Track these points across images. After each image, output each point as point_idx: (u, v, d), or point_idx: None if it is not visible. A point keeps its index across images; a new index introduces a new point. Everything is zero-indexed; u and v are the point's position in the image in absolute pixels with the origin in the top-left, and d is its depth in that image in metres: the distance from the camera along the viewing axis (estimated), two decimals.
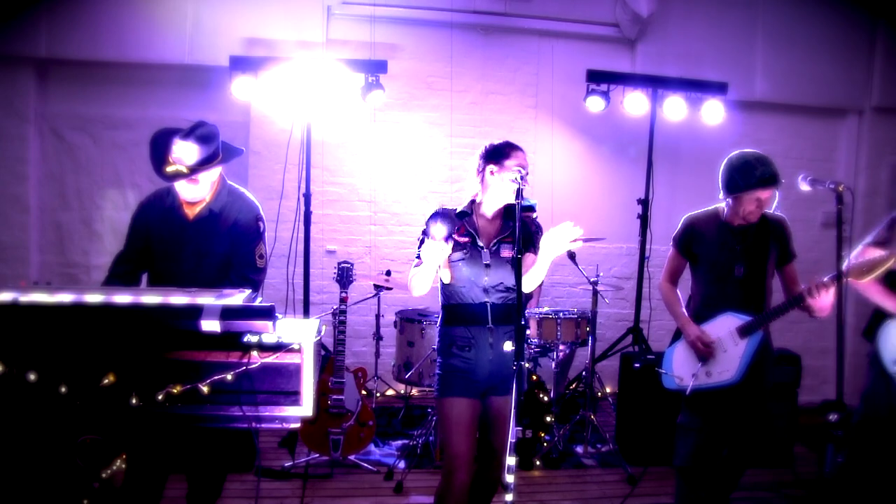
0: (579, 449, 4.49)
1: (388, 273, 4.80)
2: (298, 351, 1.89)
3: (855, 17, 6.03)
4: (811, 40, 5.95)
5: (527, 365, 4.40)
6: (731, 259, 2.99)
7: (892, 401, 2.80)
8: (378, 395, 5.36)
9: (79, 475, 2.10)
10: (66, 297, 1.90)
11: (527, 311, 4.54)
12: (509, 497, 2.15)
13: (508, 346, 2.57)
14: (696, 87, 5.17)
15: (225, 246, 2.83)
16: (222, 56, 4.81)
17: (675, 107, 5.13)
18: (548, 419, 4.22)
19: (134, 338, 1.86)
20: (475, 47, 5.79)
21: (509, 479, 2.14)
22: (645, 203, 5.18)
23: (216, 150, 2.75)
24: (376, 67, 4.74)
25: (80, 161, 5.52)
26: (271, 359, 1.88)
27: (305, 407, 1.92)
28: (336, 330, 3.91)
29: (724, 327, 3.00)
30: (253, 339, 1.87)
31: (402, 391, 5.38)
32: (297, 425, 2.00)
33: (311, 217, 4.72)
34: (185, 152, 2.65)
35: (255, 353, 1.87)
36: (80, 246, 5.55)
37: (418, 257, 2.61)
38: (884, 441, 2.81)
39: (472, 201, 2.74)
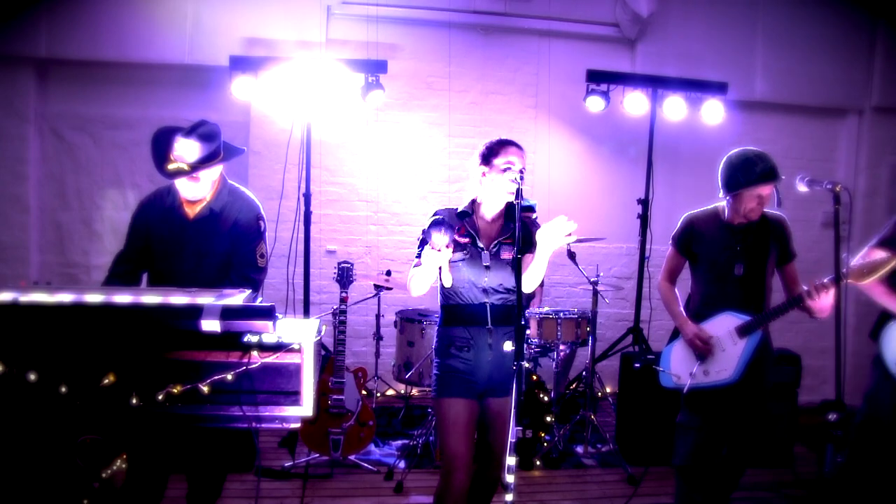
0: (579, 449, 4.49)
1: (388, 273, 4.80)
2: (298, 351, 1.89)
3: (855, 17, 6.03)
4: (811, 40, 5.95)
5: (527, 365, 4.41)
6: (731, 258, 2.99)
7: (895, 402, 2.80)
8: (378, 395, 5.36)
9: (79, 475, 2.10)
10: (66, 297, 1.90)
11: (529, 310, 4.54)
12: (509, 497, 2.14)
13: (508, 346, 2.56)
14: (695, 87, 5.17)
15: (225, 245, 2.82)
16: (222, 56, 4.81)
17: (674, 107, 5.14)
18: (548, 419, 4.22)
19: (134, 338, 1.86)
20: (475, 47, 5.79)
21: (509, 479, 2.14)
22: (645, 203, 5.18)
23: (217, 149, 2.75)
24: (376, 67, 4.74)
25: (80, 161, 5.52)
26: (271, 359, 1.88)
27: (305, 407, 1.92)
28: (336, 330, 3.91)
29: (722, 326, 2.99)
30: (253, 339, 1.87)
31: (402, 391, 5.38)
32: (297, 425, 2.00)
33: (311, 217, 4.72)
34: (186, 150, 2.65)
35: (255, 353, 1.87)
36: (80, 246, 5.56)
37: (418, 257, 2.60)
38: (885, 442, 2.81)
39: (473, 201, 2.72)
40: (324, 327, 2.09)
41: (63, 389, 1.83)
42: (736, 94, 5.42)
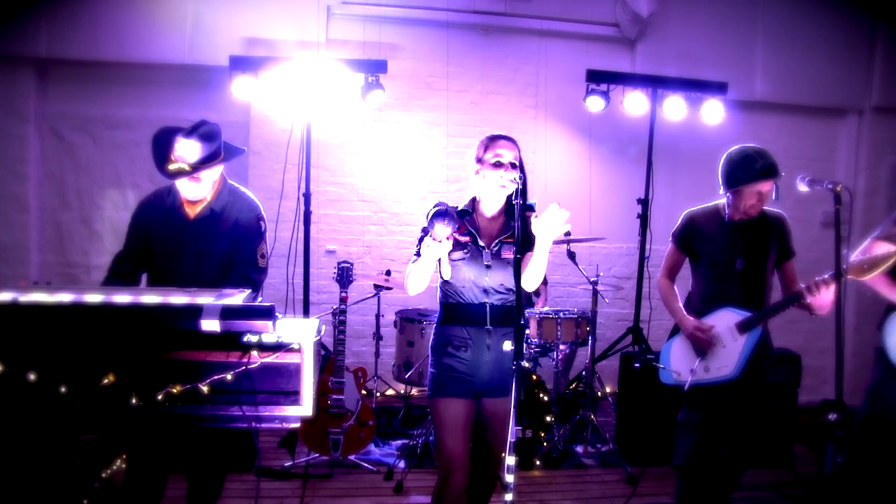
0: (579, 449, 4.49)
1: (388, 273, 4.80)
2: (298, 351, 1.89)
3: (855, 17, 6.03)
4: (811, 40, 5.95)
5: (527, 364, 4.41)
6: (732, 254, 3.00)
7: None
8: (378, 394, 5.36)
9: (79, 475, 2.10)
10: (66, 297, 1.90)
11: (533, 309, 4.54)
12: (509, 497, 2.14)
13: (508, 346, 2.55)
14: (695, 86, 5.17)
15: (226, 245, 2.82)
16: (222, 56, 4.81)
17: (674, 107, 5.14)
18: (548, 419, 4.22)
19: (134, 338, 1.86)
20: (475, 47, 5.79)
21: (509, 478, 2.14)
22: (645, 203, 5.18)
23: (218, 149, 2.75)
24: (376, 67, 4.74)
25: (80, 161, 5.52)
26: (271, 359, 1.88)
27: (305, 407, 1.92)
28: (336, 330, 3.91)
29: (723, 323, 3.00)
30: (253, 338, 1.87)
31: (402, 391, 5.38)
32: (297, 425, 2.00)
33: (311, 217, 4.72)
34: (187, 150, 2.65)
35: (255, 353, 1.87)
36: (80, 246, 5.56)
37: (417, 254, 2.57)
38: (887, 438, 2.80)
39: (473, 200, 2.70)
40: (324, 327, 2.09)
41: (63, 389, 1.83)
42: (736, 94, 5.42)
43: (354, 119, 5.58)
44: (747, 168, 2.89)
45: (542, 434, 4.21)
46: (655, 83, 5.16)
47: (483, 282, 2.59)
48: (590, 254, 5.72)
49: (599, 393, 5.16)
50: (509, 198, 2.61)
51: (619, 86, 5.14)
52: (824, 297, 2.75)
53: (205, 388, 1.85)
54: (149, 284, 2.91)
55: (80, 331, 1.84)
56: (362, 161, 5.71)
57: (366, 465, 4.04)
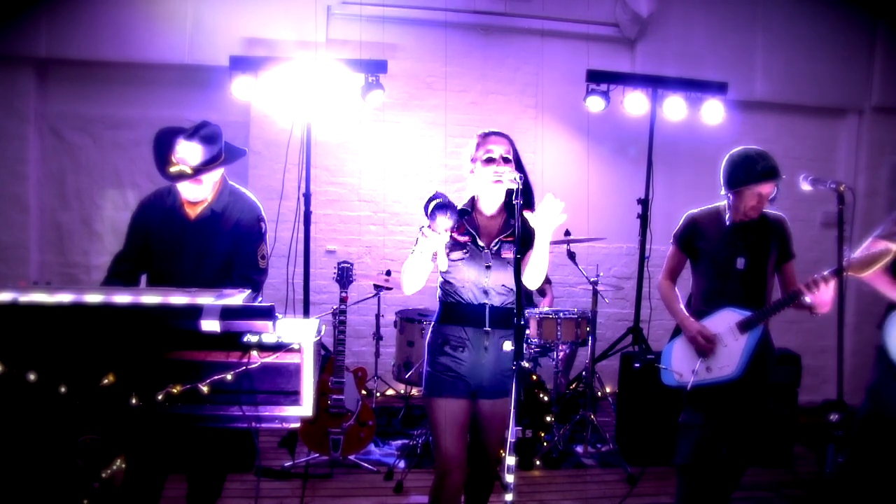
0: (579, 449, 4.49)
1: (388, 273, 4.80)
2: (298, 351, 1.89)
3: (855, 17, 6.02)
4: (811, 40, 5.95)
5: (527, 365, 4.40)
6: (733, 254, 3.00)
7: None
8: (378, 394, 5.36)
9: (79, 475, 2.10)
10: (66, 297, 1.90)
11: (540, 309, 4.54)
12: (509, 497, 2.14)
13: (508, 346, 2.55)
14: (695, 86, 5.17)
15: (226, 246, 2.82)
16: (222, 56, 4.81)
17: (674, 107, 5.14)
18: (548, 419, 4.22)
19: (134, 338, 1.86)
20: (475, 47, 5.79)
21: (509, 478, 2.13)
22: (645, 203, 5.18)
23: (220, 151, 2.75)
24: (376, 67, 4.74)
25: (80, 161, 5.52)
26: (271, 359, 1.88)
27: (305, 407, 1.91)
28: (336, 330, 3.91)
29: (723, 322, 3.00)
30: (253, 338, 1.86)
31: (402, 391, 5.38)
32: (297, 425, 2.00)
33: (311, 217, 4.72)
34: (189, 153, 2.64)
35: (255, 353, 1.87)
36: (80, 246, 5.56)
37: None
38: (888, 436, 2.80)
39: (472, 199, 2.68)
40: (324, 327, 2.09)
41: (63, 389, 1.82)
42: (736, 94, 5.42)
43: (354, 119, 5.58)
44: (748, 169, 2.90)
45: (542, 434, 4.21)
46: (655, 83, 5.16)
47: (483, 282, 2.57)
48: (590, 254, 5.72)
49: (599, 393, 5.16)
50: (509, 195, 2.57)
51: (619, 86, 5.14)
52: (824, 294, 2.76)
53: (205, 388, 1.85)
54: (149, 284, 2.91)
55: (80, 331, 1.84)
56: (362, 161, 5.71)
57: (366, 465, 4.04)
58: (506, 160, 2.55)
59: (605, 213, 5.87)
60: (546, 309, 4.60)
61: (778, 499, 3.92)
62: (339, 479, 3.93)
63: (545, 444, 4.22)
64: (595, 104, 5.12)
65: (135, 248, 2.85)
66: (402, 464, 4.06)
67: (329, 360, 3.94)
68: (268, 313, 1.85)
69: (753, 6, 5.90)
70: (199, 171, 2.67)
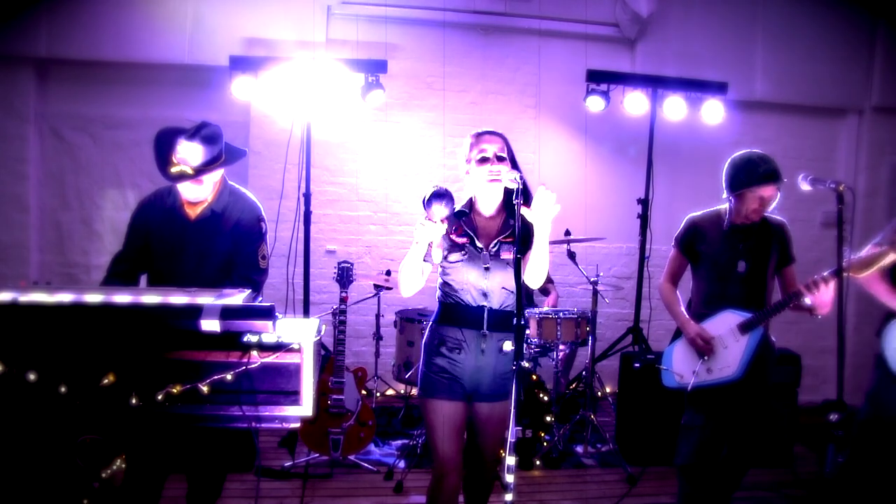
0: (579, 449, 4.49)
1: (388, 273, 4.80)
2: (298, 351, 1.89)
3: (855, 17, 6.03)
4: (811, 40, 5.95)
5: (527, 365, 4.40)
6: (734, 256, 3.01)
7: None
8: (378, 394, 5.36)
9: (79, 475, 2.10)
10: (66, 297, 1.90)
11: (535, 309, 4.54)
12: (509, 497, 2.14)
13: (508, 346, 2.53)
14: (695, 86, 5.17)
15: (227, 246, 2.82)
16: (222, 56, 4.81)
17: (674, 107, 5.14)
18: (548, 419, 4.22)
19: (134, 338, 1.86)
20: (475, 47, 5.79)
21: (509, 478, 2.13)
22: (645, 203, 5.18)
23: (220, 151, 2.75)
24: (376, 67, 4.74)
25: (80, 161, 5.52)
26: (271, 359, 1.88)
27: (305, 407, 1.91)
28: (336, 330, 3.91)
29: (724, 324, 3.01)
30: (253, 338, 1.86)
31: (402, 391, 5.37)
32: (297, 425, 2.00)
33: (311, 217, 4.72)
34: (189, 153, 2.64)
35: (255, 353, 1.87)
36: (80, 246, 5.56)
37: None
38: (888, 441, 2.81)
39: (470, 200, 2.65)
40: (324, 327, 2.09)
41: (63, 389, 1.83)
42: (736, 94, 5.42)
43: (354, 119, 5.58)
44: (751, 172, 2.91)
45: (542, 434, 4.21)
46: (655, 83, 5.17)
47: (482, 284, 2.53)
48: (590, 254, 5.72)
49: (599, 393, 5.16)
50: (507, 195, 2.55)
51: (619, 86, 5.14)
52: (824, 295, 2.76)
53: (205, 388, 1.85)
54: (149, 284, 2.91)
55: (80, 331, 1.84)
56: (362, 161, 5.71)
57: (366, 465, 4.04)
58: (500, 158, 2.52)
59: (604, 213, 5.87)
60: (546, 309, 4.60)
61: (778, 499, 3.92)
62: (339, 479, 3.93)
63: (545, 444, 4.22)
64: (595, 104, 5.12)
65: (134, 249, 2.85)
66: (402, 464, 4.06)
67: (329, 360, 3.94)
68: (268, 313, 1.85)
69: (753, 6, 5.90)
70: (200, 171, 2.66)
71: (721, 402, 3.01)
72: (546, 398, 4.23)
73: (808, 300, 2.83)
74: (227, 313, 1.82)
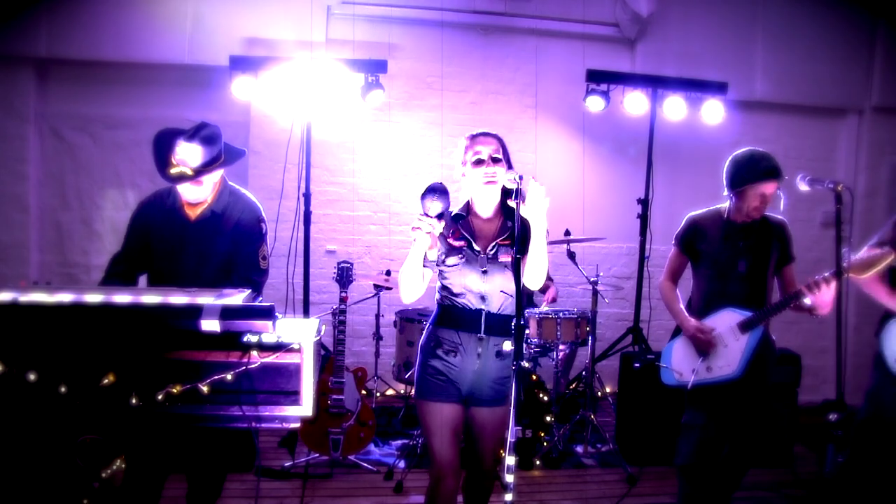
0: (579, 449, 4.49)
1: (388, 273, 4.80)
2: (298, 351, 1.89)
3: (855, 17, 6.03)
4: (811, 40, 5.95)
5: (527, 364, 4.40)
6: (735, 255, 3.02)
7: None
8: (378, 394, 5.36)
9: (79, 475, 2.10)
10: (66, 297, 1.90)
11: (539, 309, 4.53)
12: (509, 497, 2.14)
13: (508, 346, 2.52)
14: (695, 86, 5.17)
15: (227, 246, 2.82)
16: (222, 56, 4.81)
17: (674, 106, 5.14)
18: (548, 419, 4.22)
19: (134, 338, 1.86)
20: (475, 47, 5.79)
21: (509, 478, 2.13)
22: (645, 203, 5.18)
23: (219, 152, 2.75)
24: (376, 67, 4.74)
25: (80, 161, 5.52)
26: (271, 359, 1.88)
27: (305, 407, 1.91)
28: (336, 330, 3.91)
29: (724, 323, 3.01)
30: (253, 338, 1.86)
31: (402, 391, 5.38)
32: (297, 425, 2.00)
33: (311, 217, 4.72)
34: (189, 154, 2.63)
35: (255, 353, 1.87)
36: (80, 246, 5.56)
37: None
38: (887, 441, 2.81)
39: (468, 203, 2.62)
40: (323, 327, 2.09)
41: (63, 389, 1.83)
42: (736, 94, 5.42)
43: (354, 119, 5.58)
44: (752, 168, 2.92)
45: (542, 434, 4.21)
46: (655, 83, 5.16)
47: (480, 288, 2.50)
48: (590, 254, 5.72)
49: (599, 393, 5.16)
50: (504, 196, 2.52)
51: (619, 86, 5.14)
52: (824, 296, 2.76)
53: (205, 388, 1.85)
54: (149, 284, 2.91)
55: (80, 331, 1.84)
56: (362, 161, 5.71)
57: (366, 465, 4.04)
58: (495, 160, 2.49)
59: (604, 213, 5.87)
60: (546, 309, 4.60)
61: (778, 499, 3.92)
62: (339, 479, 3.93)
63: (545, 444, 4.22)
64: (595, 104, 5.12)
65: (133, 249, 2.85)
66: (401, 464, 4.06)
67: (329, 360, 3.94)
68: (268, 313, 1.85)
69: (753, 6, 5.90)
70: (199, 172, 2.66)
71: (721, 402, 3.01)
72: (546, 398, 4.23)
73: (808, 300, 2.83)
74: (227, 313, 1.82)
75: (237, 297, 1.99)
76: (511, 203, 2.27)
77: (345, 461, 4.00)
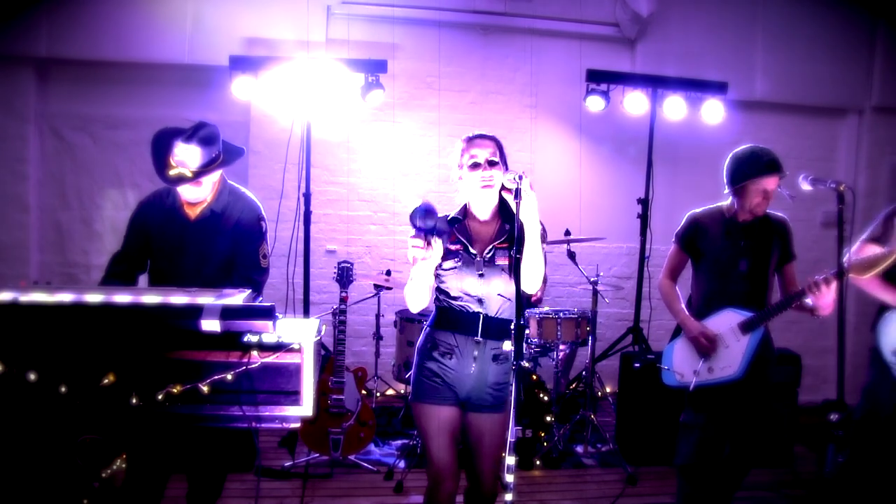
0: (579, 449, 4.49)
1: (388, 273, 4.80)
2: (298, 351, 1.89)
3: (855, 17, 6.03)
4: (811, 40, 5.95)
5: (527, 364, 4.40)
6: (736, 254, 3.01)
7: (895, 395, 2.80)
8: (378, 394, 5.36)
9: (79, 475, 2.10)
10: (66, 297, 1.90)
11: (539, 309, 4.53)
12: (509, 497, 2.14)
13: (507, 346, 2.51)
14: (695, 86, 5.17)
15: (227, 245, 2.82)
16: (222, 56, 4.81)
17: (674, 106, 5.14)
18: (548, 419, 4.22)
19: (134, 338, 1.86)
20: (475, 47, 5.79)
21: (509, 478, 2.12)
22: (645, 203, 5.18)
23: (218, 152, 2.74)
24: (376, 67, 4.74)
25: (80, 161, 5.52)
26: (271, 358, 1.88)
27: (305, 407, 1.91)
28: (336, 330, 3.91)
29: (725, 323, 3.00)
30: (253, 338, 1.86)
31: (402, 391, 5.38)
32: (297, 425, 2.00)
33: (311, 217, 4.72)
34: (187, 155, 2.63)
35: (255, 353, 1.87)
36: (80, 246, 5.56)
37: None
38: (885, 437, 2.81)
39: (465, 206, 2.60)
40: (324, 327, 2.09)
41: (63, 389, 1.82)
42: (736, 93, 5.42)
43: (354, 119, 5.58)
44: (753, 164, 2.92)
45: (542, 434, 4.21)
46: (655, 83, 5.17)
47: (477, 291, 2.47)
48: (590, 254, 5.72)
49: (599, 393, 5.16)
50: (503, 199, 2.50)
51: (619, 85, 5.14)
52: (825, 296, 2.76)
53: (205, 388, 1.85)
54: (150, 284, 2.91)
55: (80, 331, 1.84)
56: (362, 161, 5.71)
57: (366, 464, 4.04)
58: (492, 163, 2.46)
59: (604, 213, 5.87)
60: (546, 309, 4.60)
61: (778, 499, 3.92)
62: (339, 479, 3.93)
63: (545, 444, 4.22)
64: (595, 104, 5.12)
65: (133, 249, 2.85)
66: (402, 464, 4.06)
67: (329, 360, 3.94)
68: (268, 313, 1.85)
69: (753, 6, 5.90)
70: (198, 173, 2.66)
71: (722, 402, 3.01)
72: (546, 398, 4.23)
73: (809, 301, 2.83)
74: (227, 313, 1.82)
75: (237, 297, 1.99)
76: (511, 203, 2.26)
77: (345, 461, 4.00)
